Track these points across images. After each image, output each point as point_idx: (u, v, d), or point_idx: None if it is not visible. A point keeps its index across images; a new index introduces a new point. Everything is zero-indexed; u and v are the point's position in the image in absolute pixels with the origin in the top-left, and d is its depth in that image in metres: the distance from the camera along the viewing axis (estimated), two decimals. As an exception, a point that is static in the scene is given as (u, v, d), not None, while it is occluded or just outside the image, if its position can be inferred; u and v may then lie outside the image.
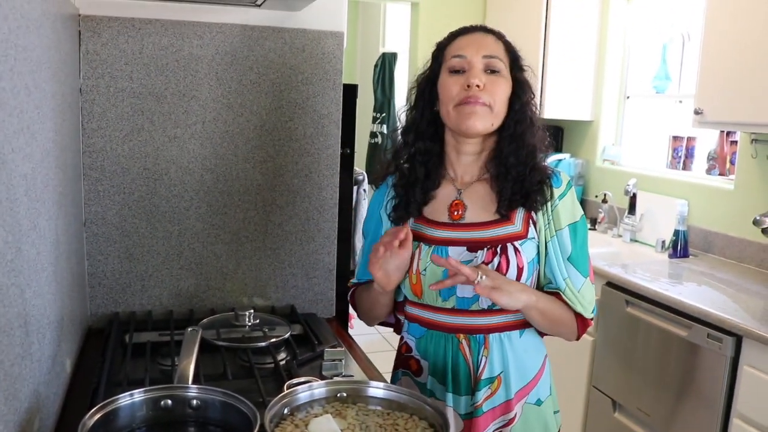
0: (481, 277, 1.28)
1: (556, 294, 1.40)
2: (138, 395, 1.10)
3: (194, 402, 1.13)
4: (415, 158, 1.45)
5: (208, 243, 1.89)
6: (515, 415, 1.42)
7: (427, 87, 1.43)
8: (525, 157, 1.38)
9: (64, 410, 1.37)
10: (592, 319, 1.44)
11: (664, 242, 3.29)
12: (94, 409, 1.04)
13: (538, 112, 1.44)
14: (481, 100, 1.34)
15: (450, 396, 1.42)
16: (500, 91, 1.36)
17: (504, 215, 1.38)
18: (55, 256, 1.33)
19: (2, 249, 0.93)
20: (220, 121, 1.85)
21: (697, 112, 2.80)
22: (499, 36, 1.42)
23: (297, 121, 1.90)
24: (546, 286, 1.42)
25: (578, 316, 1.41)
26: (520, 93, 1.39)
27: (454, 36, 1.43)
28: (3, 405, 0.90)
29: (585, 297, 1.40)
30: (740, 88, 2.62)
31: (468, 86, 1.34)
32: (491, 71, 1.36)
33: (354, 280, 1.61)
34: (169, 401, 1.12)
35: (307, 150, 1.92)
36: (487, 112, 1.35)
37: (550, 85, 3.86)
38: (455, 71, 1.37)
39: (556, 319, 1.40)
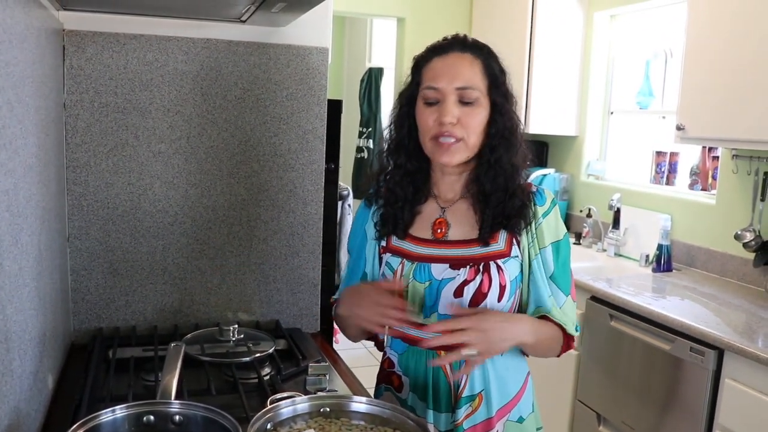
0: (469, 351, 1.28)
1: (545, 317, 1.40)
2: (120, 411, 1.09)
3: (177, 417, 1.12)
4: (403, 178, 1.44)
5: (192, 258, 1.89)
6: None
7: (409, 107, 1.41)
8: (504, 182, 1.37)
9: (46, 427, 1.35)
10: (574, 339, 1.44)
11: (647, 256, 3.31)
12: (76, 425, 1.03)
13: (521, 129, 1.40)
14: (454, 135, 1.32)
15: (431, 413, 1.41)
16: (475, 123, 1.33)
17: (485, 241, 1.38)
18: (38, 271, 1.32)
19: (-17, 265, 0.92)
20: (204, 137, 1.85)
21: (679, 128, 2.83)
22: (477, 53, 1.36)
23: (281, 136, 1.91)
24: (530, 307, 1.41)
25: (567, 335, 1.42)
26: (497, 117, 1.35)
27: (430, 53, 1.38)
28: (-18, 422, 0.89)
29: (567, 314, 1.41)
30: (721, 104, 2.66)
31: (441, 123, 1.32)
32: (465, 102, 1.33)
33: (336, 296, 1.59)
34: (152, 417, 1.12)
35: (292, 165, 1.92)
36: (462, 147, 1.34)
37: (535, 101, 3.89)
38: (429, 103, 1.34)
39: (547, 343, 1.40)
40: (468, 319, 1.29)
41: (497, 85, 1.36)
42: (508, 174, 1.37)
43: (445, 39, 1.40)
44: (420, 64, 1.40)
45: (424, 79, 1.36)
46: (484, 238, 1.38)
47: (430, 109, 1.34)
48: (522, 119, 1.43)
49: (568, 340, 1.43)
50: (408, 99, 1.41)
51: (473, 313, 1.31)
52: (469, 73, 1.33)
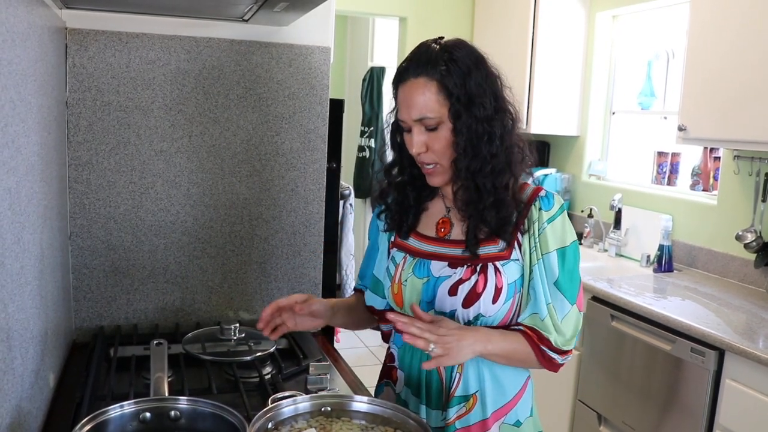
0: (433, 349, 1.25)
1: (521, 332, 1.36)
2: (128, 407, 1.10)
3: (182, 413, 1.13)
4: (406, 186, 1.45)
5: (194, 257, 1.89)
6: None
7: (397, 130, 1.42)
8: (477, 196, 1.34)
9: (47, 425, 1.36)
10: (568, 352, 1.38)
11: (649, 257, 3.31)
12: (84, 420, 1.04)
13: (510, 121, 1.35)
14: (427, 163, 1.35)
15: (423, 408, 1.42)
16: (441, 146, 1.32)
17: (474, 253, 1.36)
18: (40, 269, 1.33)
19: (-15, 263, 0.93)
20: (206, 135, 1.85)
21: (680, 129, 2.83)
22: (431, 72, 1.30)
23: (283, 135, 1.91)
24: (521, 315, 1.38)
25: (541, 348, 1.35)
26: (462, 129, 1.30)
27: (396, 79, 1.36)
28: (-16, 420, 0.90)
29: (568, 325, 1.36)
30: (722, 105, 2.66)
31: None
32: (429, 129, 1.32)
33: (356, 285, 1.65)
34: (158, 413, 1.12)
35: (294, 164, 1.93)
36: (439, 170, 1.36)
37: (536, 101, 3.88)
38: (404, 130, 1.37)
39: (519, 359, 1.37)
40: (424, 324, 1.28)
41: (458, 98, 1.30)
42: (484, 187, 1.33)
43: (410, 53, 1.36)
44: (393, 87, 1.39)
45: (397, 107, 1.38)
46: (472, 251, 1.36)
47: (408, 136, 1.36)
48: (523, 118, 1.41)
49: (555, 354, 1.36)
50: (395, 123, 1.42)
51: (431, 319, 1.30)
52: (422, 100, 1.30)
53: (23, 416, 1.14)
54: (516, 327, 1.38)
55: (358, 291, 1.62)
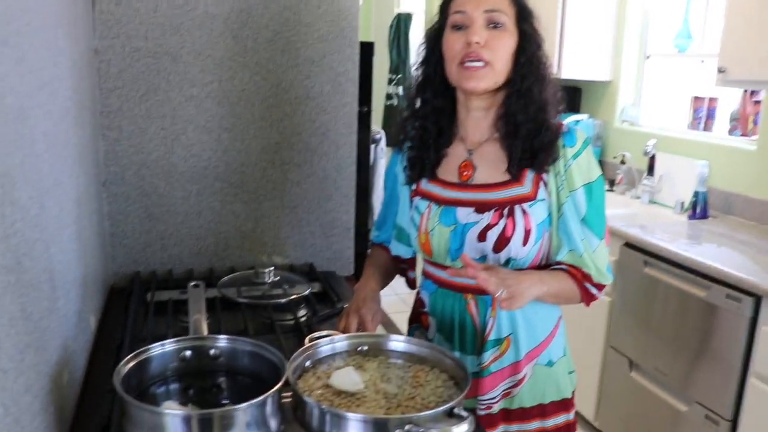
0: (503, 292, 1.23)
1: (562, 270, 1.37)
2: (169, 345, 1.12)
3: (222, 351, 1.15)
4: (429, 117, 1.43)
5: (226, 202, 1.90)
6: (524, 375, 1.41)
7: (435, 43, 1.39)
8: (534, 113, 1.34)
9: (91, 364, 1.39)
10: (604, 285, 1.39)
11: (683, 204, 3.26)
12: (128, 357, 1.06)
13: (550, 65, 1.38)
14: (481, 57, 1.30)
15: (456, 354, 1.42)
16: (503, 46, 1.32)
17: (514, 175, 1.35)
18: (77, 214, 1.34)
19: (27, 204, 0.93)
20: (236, 80, 1.84)
21: (720, 71, 2.74)
22: None
23: (313, 78, 1.88)
24: (558, 254, 1.38)
25: (585, 285, 1.37)
26: (526, 46, 1.33)
27: None
28: (34, 356, 0.92)
29: (600, 260, 1.37)
30: (766, 45, 2.56)
31: (468, 44, 1.30)
32: (493, 26, 1.31)
33: (372, 238, 1.62)
34: (198, 351, 1.14)
35: (324, 108, 1.91)
36: (489, 71, 1.32)
37: (568, 45, 3.77)
38: (457, 27, 1.33)
39: (566, 297, 1.38)
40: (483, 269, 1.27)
41: (525, 16, 1.35)
42: (539, 105, 1.34)
43: None
44: None
45: (452, 7, 1.35)
46: (512, 173, 1.35)
47: (457, 34, 1.33)
48: (554, 63, 1.39)
49: (586, 292, 1.38)
50: (435, 34, 1.40)
51: (484, 267, 1.28)
52: None
53: (69, 355, 1.17)
54: (558, 267, 1.37)
55: (377, 246, 1.60)
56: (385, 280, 1.55)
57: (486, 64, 1.31)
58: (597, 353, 3.03)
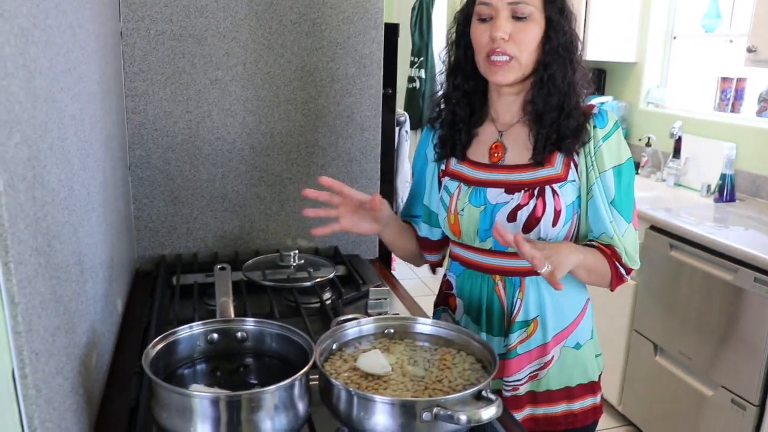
0: (548, 267, 1.20)
1: (594, 247, 1.35)
2: (196, 328, 1.12)
3: (249, 334, 1.15)
4: (460, 101, 1.42)
5: (251, 185, 1.90)
6: (552, 358, 1.41)
7: (464, 26, 1.38)
8: (558, 101, 1.33)
9: (119, 347, 1.40)
10: (632, 270, 1.38)
11: (709, 186, 3.21)
12: (156, 339, 1.06)
13: (579, 48, 1.36)
14: (506, 52, 1.29)
15: (483, 335, 1.42)
16: (528, 39, 1.30)
17: (539, 161, 1.35)
18: (104, 197, 1.35)
19: (56, 187, 0.94)
20: (261, 63, 1.83)
21: (750, 50, 2.69)
22: None
23: (338, 61, 1.87)
24: (589, 235, 1.38)
25: (615, 264, 1.36)
26: (552, 34, 1.31)
27: None
28: (64, 338, 0.92)
29: (630, 243, 1.36)
30: (797, 23, 2.51)
31: (493, 39, 1.29)
32: (518, 18, 1.29)
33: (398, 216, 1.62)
34: (225, 334, 1.14)
35: (349, 90, 1.90)
36: (515, 65, 1.31)
37: (593, 26, 3.73)
38: (482, 19, 1.31)
39: (598, 273, 1.36)
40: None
41: (552, 1, 1.32)
42: (562, 93, 1.33)
43: None
44: None
45: None
46: (537, 160, 1.34)
47: (483, 26, 1.31)
48: (578, 39, 1.37)
49: (624, 271, 1.37)
50: (464, 18, 1.39)
51: (524, 239, 1.27)
52: None
53: (97, 337, 1.18)
54: (590, 244, 1.36)
55: (405, 221, 1.60)
56: (398, 228, 1.54)
57: (511, 59, 1.30)
58: (622, 337, 3.01)
